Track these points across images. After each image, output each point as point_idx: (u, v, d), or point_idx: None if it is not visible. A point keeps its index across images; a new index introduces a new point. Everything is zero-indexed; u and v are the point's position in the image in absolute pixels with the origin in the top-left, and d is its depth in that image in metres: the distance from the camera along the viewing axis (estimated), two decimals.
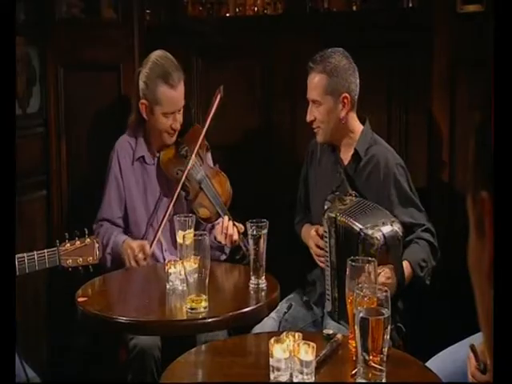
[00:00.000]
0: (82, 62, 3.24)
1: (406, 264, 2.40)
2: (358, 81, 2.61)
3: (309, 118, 2.63)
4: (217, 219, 2.78)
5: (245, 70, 3.24)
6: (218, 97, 2.80)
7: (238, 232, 2.65)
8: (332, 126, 2.61)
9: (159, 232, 2.69)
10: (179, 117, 2.78)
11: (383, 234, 2.28)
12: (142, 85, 2.76)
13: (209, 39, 3.24)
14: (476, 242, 0.61)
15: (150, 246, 2.68)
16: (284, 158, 3.21)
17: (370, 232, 2.28)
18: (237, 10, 3.41)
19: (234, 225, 2.66)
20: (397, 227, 2.33)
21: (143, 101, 2.76)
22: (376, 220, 2.33)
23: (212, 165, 2.92)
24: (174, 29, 3.35)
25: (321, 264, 2.57)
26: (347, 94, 2.58)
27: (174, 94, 2.73)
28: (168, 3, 3.44)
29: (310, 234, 2.62)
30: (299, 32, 3.13)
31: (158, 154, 2.85)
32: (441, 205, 2.89)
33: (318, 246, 2.58)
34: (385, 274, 2.26)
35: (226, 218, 2.70)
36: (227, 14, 3.45)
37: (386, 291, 1.72)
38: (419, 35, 2.96)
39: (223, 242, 2.67)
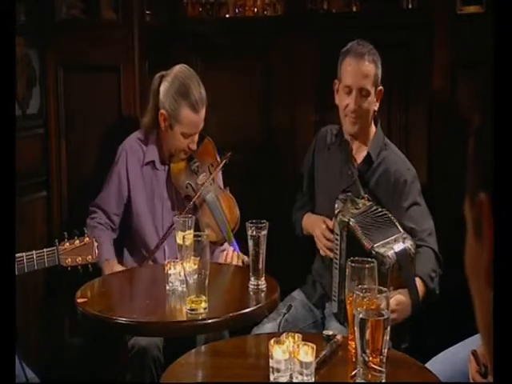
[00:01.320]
0: (81, 63, 3.23)
1: (418, 280, 2.31)
2: None
3: (354, 106, 2.50)
4: (222, 244, 2.79)
5: (245, 70, 3.24)
6: None
7: (243, 263, 2.64)
8: (366, 121, 2.56)
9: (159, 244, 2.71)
10: (196, 137, 2.77)
11: (395, 253, 2.23)
12: (162, 96, 2.72)
13: (209, 40, 3.24)
14: (474, 245, 0.61)
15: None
16: (284, 158, 3.21)
17: (381, 250, 2.22)
18: (236, 10, 3.41)
19: (238, 256, 2.67)
20: (409, 244, 2.26)
21: (163, 111, 2.72)
22: (388, 235, 2.27)
23: (222, 185, 2.91)
24: (173, 29, 3.35)
25: (326, 253, 2.52)
26: (382, 88, 2.56)
27: (197, 119, 2.71)
28: (168, 4, 3.43)
29: (320, 227, 2.56)
30: (299, 33, 3.13)
31: (167, 162, 2.83)
32: (441, 205, 2.88)
33: (325, 237, 2.54)
34: (395, 299, 2.18)
35: (232, 249, 2.70)
36: (227, 15, 3.44)
37: (385, 292, 1.72)
38: (419, 35, 2.95)
39: None
